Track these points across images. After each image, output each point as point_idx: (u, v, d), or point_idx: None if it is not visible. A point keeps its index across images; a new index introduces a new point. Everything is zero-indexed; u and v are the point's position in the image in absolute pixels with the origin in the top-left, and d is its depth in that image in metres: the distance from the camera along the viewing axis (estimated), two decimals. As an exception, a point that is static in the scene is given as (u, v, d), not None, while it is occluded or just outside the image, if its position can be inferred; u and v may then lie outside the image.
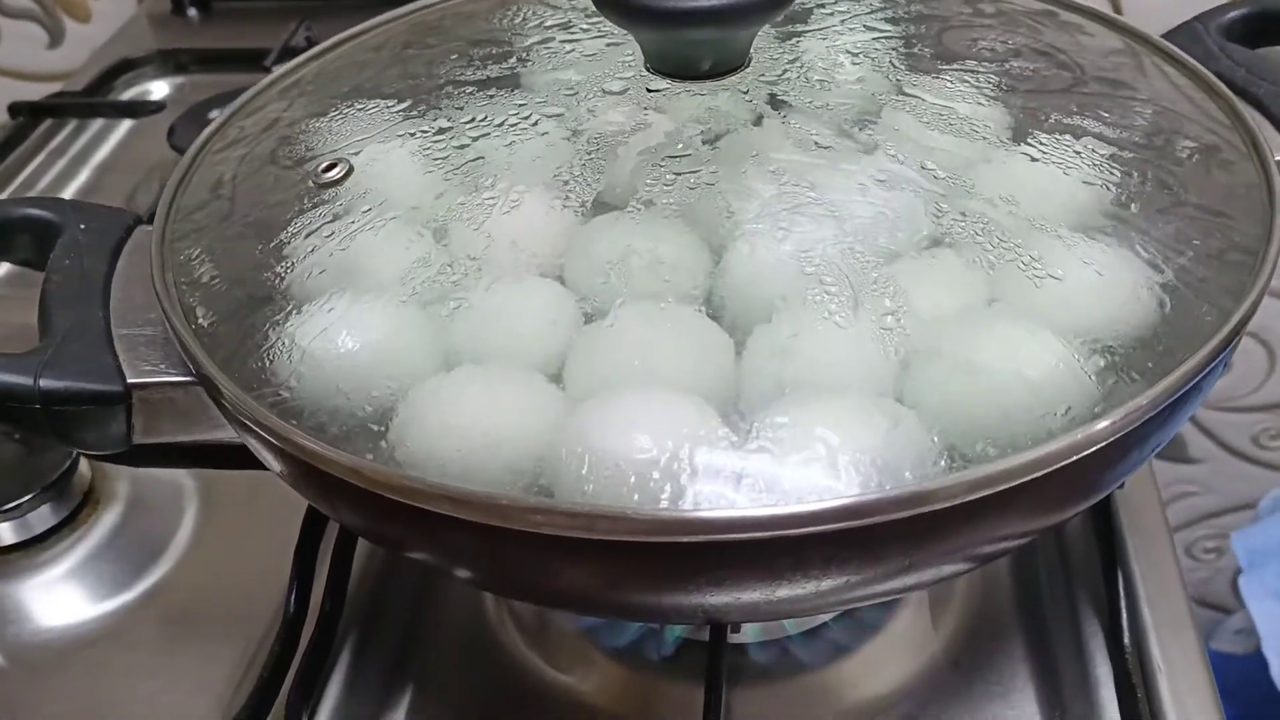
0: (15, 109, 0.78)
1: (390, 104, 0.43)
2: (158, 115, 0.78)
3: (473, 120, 0.41)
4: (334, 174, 0.40)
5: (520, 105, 0.41)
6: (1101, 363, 0.35)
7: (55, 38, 1.05)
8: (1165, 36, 0.49)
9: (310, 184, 0.41)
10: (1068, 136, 0.40)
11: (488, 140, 0.41)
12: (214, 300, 0.40)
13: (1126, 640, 0.43)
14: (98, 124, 0.80)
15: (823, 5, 0.46)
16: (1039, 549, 0.49)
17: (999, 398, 0.34)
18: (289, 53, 0.81)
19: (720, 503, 0.32)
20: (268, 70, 0.77)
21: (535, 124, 0.41)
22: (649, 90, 0.40)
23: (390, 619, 0.49)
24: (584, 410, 0.34)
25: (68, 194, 0.76)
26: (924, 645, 0.46)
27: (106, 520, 0.54)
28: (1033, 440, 0.33)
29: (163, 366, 0.39)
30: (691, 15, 0.38)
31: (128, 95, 0.84)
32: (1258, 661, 0.92)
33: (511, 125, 0.41)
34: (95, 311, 0.40)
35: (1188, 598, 0.45)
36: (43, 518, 0.53)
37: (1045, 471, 0.32)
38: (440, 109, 0.42)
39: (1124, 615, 0.44)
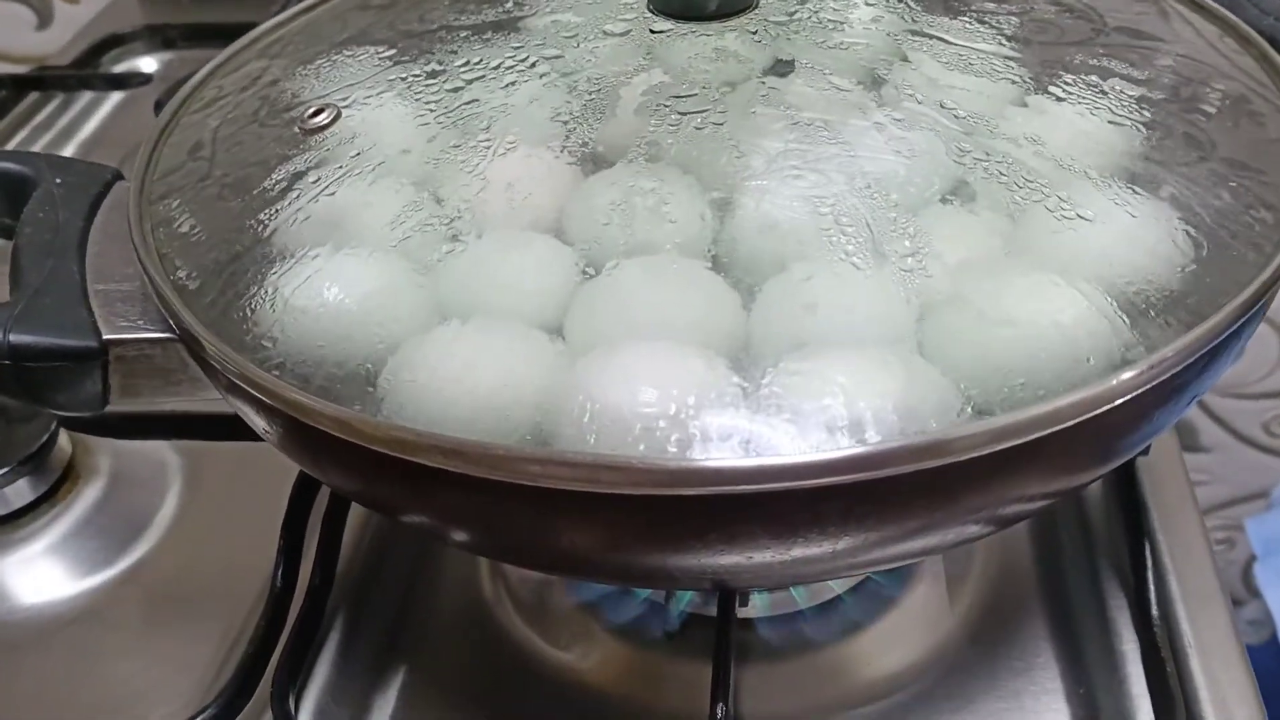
0: (-2, 82, 0.76)
1: (380, 49, 0.41)
2: (146, 89, 0.76)
3: (467, 63, 0.39)
4: (321, 119, 0.38)
5: (516, 48, 0.39)
6: (1134, 310, 0.33)
7: (44, 19, 1.03)
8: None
9: (296, 130, 0.39)
10: (1093, 78, 0.38)
11: (482, 83, 0.39)
12: (195, 252, 0.37)
13: (1155, 612, 0.41)
14: (85, 99, 0.78)
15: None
16: (1060, 522, 0.47)
17: (1027, 346, 0.32)
18: (280, 26, 0.78)
19: (732, 455, 0.30)
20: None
21: (532, 66, 0.39)
22: (652, 32, 0.38)
23: (382, 595, 0.47)
24: (586, 363, 0.32)
25: (53, 169, 0.74)
26: (940, 620, 0.44)
27: (87, 496, 0.52)
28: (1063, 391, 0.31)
29: (141, 323, 0.37)
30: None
31: (116, 70, 0.82)
32: (1273, 651, 0.90)
33: (507, 68, 0.39)
34: (70, 265, 0.38)
35: (1216, 568, 0.43)
36: (20, 492, 0.51)
37: (1075, 421, 0.30)
38: (433, 54, 0.40)
39: (1151, 586, 0.42)
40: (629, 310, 0.34)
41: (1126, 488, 0.45)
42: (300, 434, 0.33)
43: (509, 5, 0.42)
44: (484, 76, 0.38)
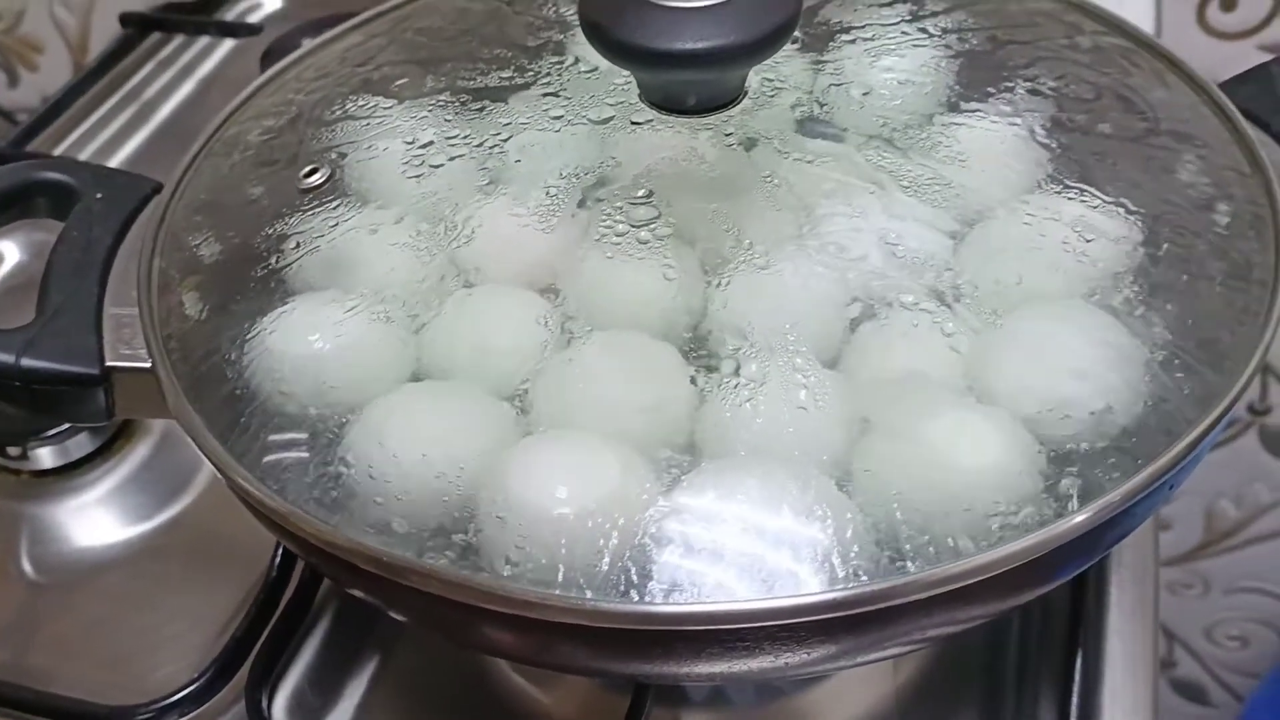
0: (126, 19, 0.81)
1: (387, 104, 0.43)
2: (255, 39, 0.80)
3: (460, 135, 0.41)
4: (315, 179, 0.41)
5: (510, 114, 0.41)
6: (1060, 460, 0.34)
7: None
8: (1236, 79, 0.45)
9: (294, 187, 0.41)
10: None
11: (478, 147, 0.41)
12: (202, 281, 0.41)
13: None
14: (204, 38, 0.82)
15: (847, 31, 0.44)
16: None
17: (946, 482, 0.33)
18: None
19: (640, 573, 0.32)
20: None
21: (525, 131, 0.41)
22: (633, 123, 0.40)
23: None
24: (511, 454, 0.35)
25: (170, 106, 0.79)
26: (880, 686, 0.46)
27: (139, 452, 0.57)
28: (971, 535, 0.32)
29: (142, 352, 0.40)
30: (678, 58, 0.36)
31: (240, 6, 0.85)
32: None
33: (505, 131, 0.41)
34: (91, 288, 0.41)
35: (1154, 696, 0.43)
36: (80, 445, 0.56)
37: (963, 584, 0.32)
38: (442, 109, 0.42)
39: (1075, 699, 0.42)
40: (587, 389, 0.36)
41: (1076, 594, 0.45)
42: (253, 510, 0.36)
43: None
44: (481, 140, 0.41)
